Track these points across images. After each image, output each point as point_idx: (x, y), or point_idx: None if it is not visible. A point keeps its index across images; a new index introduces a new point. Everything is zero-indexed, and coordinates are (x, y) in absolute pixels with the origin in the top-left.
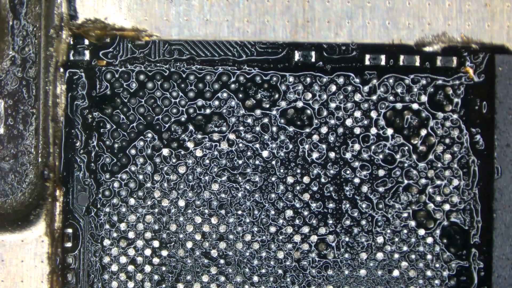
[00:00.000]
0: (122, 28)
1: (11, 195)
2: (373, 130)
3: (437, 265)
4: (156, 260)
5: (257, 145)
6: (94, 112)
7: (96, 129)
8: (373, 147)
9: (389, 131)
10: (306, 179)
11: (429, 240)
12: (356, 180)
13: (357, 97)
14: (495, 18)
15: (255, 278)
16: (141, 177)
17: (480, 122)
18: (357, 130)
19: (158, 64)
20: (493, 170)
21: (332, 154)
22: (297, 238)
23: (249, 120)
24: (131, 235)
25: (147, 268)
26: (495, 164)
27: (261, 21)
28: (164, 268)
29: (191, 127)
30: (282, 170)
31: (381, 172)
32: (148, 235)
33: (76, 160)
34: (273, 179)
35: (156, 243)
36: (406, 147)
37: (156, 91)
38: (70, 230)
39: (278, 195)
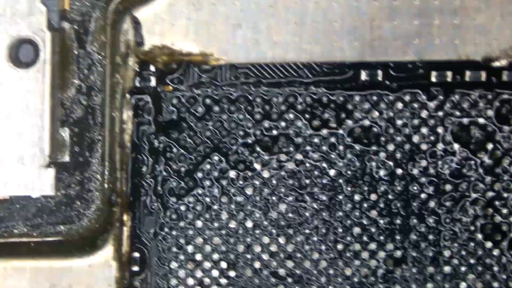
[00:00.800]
0: (189, 53)
1: (77, 222)
2: (440, 146)
3: (504, 277)
4: (223, 281)
5: (324, 164)
6: (161, 137)
7: (163, 154)
8: (439, 162)
9: (456, 146)
10: (373, 196)
11: (496, 252)
12: (423, 196)
13: (424, 113)
14: None
15: None
16: (208, 199)
17: None
18: (423, 146)
19: (224, 88)
20: None
21: (399, 171)
22: (364, 254)
23: (316, 140)
24: (198, 257)
25: None
26: None
27: (328, 42)
28: None
29: (258, 149)
30: (349, 188)
31: (448, 187)
32: (215, 256)
33: (143, 185)
34: (340, 197)
35: (223, 264)
36: (473, 161)
37: (223, 114)
38: (137, 254)
39: (345, 212)
